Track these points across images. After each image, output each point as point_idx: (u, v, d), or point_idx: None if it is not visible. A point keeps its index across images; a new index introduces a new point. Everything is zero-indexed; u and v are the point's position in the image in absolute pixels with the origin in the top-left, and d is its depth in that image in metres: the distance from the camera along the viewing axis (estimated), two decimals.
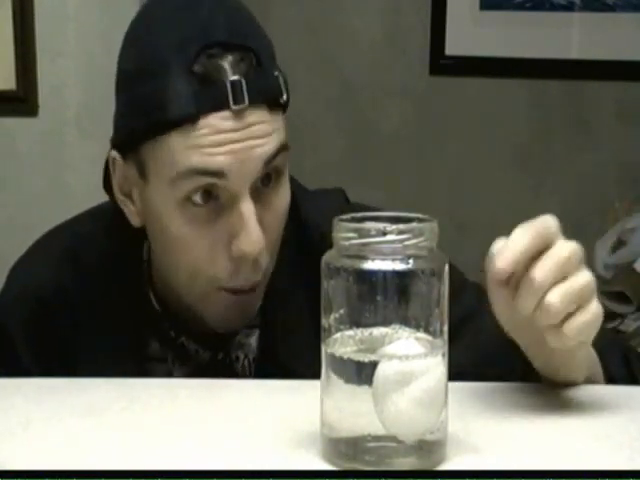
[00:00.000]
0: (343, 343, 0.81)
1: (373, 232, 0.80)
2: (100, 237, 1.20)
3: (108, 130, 1.16)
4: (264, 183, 1.07)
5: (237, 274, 1.07)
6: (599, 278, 2.63)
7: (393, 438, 0.80)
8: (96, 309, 1.17)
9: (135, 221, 1.13)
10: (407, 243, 0.79)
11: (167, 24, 1.06)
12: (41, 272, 1.20)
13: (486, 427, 0.91)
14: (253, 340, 1.19)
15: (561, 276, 0.90)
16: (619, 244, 2.67)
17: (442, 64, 3.03)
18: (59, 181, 2.45)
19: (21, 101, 2.41)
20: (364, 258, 0.80)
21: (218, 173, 1.03)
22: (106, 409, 0.97)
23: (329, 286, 0.81)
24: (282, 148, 1.06)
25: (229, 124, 1.03)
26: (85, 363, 1.16)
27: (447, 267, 0.82)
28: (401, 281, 0.80)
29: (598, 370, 1.05)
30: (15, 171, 2.45)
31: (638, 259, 2.60)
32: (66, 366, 1.15)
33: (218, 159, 1.02)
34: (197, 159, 1.03)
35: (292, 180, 1.20)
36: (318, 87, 3.08)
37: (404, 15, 3.04)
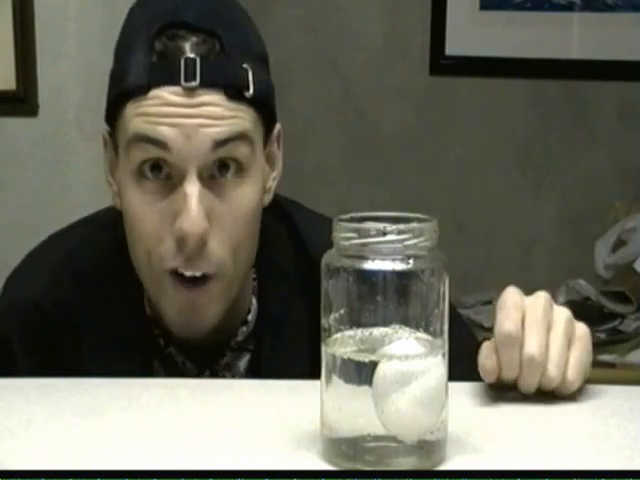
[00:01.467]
0: (343, 343, 0.81)
1: (373, 232, 0.80)
2: (95, 244, 1.21)
3: None
4: (221, 173, 1.07)
5: (181, 254, 1.07)
6: (599, 278, 2.63)
7: (393, 438, 0.80)
8: (93, 316, 1.17)
9: (117, 203, 1.14)
10: (407, 243, 0.79)
11: (145, 6, 1.11)
12: (38, 280, 1.19)
13: (486, 427, 0.91)
14: (242, 363, 1.19)
15: (547, 328, 0.96)
16: (619, 244, 2.66)
17: (442, 64, 3.03)
18: (59, 181, 2.45)
19: (21, 101, 2.40)
20: (364, 258, 0.80)
21: (162, 144, 1.04)
22: (106, 409, 0.98)
23: (329, 286, 0.81)
24: (240, 137, 1.06)
25: (178, 99, 1.04)
26: (85, 369, 1.14)
27: (446, 267, 0.82)
28: (401, 281, 0.80)
29: None
30: (15, 171, 2.44)
31: (638, 259, 2.60)
32: (65, 373, 1.14)
33: (162, 129, 1.04)
34: (143, 126, 1.05)
35: (293, 203, 1.21)
36: (318, 87, 3.07)
37: (404, 15, 3.04)
